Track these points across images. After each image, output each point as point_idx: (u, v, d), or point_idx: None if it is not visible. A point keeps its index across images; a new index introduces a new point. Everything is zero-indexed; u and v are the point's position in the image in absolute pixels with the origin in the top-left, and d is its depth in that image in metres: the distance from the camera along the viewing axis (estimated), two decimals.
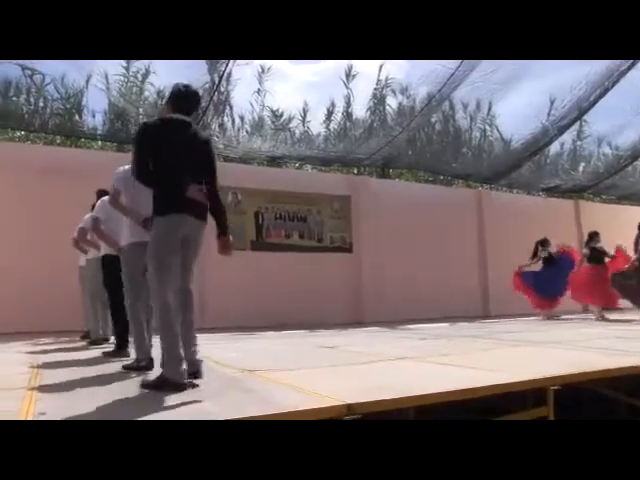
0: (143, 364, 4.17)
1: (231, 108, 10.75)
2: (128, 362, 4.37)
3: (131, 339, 4.56)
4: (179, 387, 3.21)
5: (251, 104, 10.78)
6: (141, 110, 9.92)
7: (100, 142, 11.27)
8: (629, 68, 10.73)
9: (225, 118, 10.82)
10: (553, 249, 11.09)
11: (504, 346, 5.79)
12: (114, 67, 9.36)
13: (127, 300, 4.40)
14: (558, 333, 7.35)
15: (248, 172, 11.31)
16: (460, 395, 3.04)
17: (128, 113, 10.05)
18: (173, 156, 3.41)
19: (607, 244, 10.57)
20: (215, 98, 9.98)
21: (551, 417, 3.29)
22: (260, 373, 3.90)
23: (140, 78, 9.75)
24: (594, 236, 10.61)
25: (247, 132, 11.10)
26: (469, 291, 12.97)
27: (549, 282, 10.79)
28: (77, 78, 9.56)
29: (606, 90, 11.28)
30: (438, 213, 12.78)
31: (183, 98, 3.59)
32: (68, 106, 9.86)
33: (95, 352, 5.63)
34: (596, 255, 10.42)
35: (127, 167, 4.03)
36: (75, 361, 4.96)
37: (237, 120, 10.93)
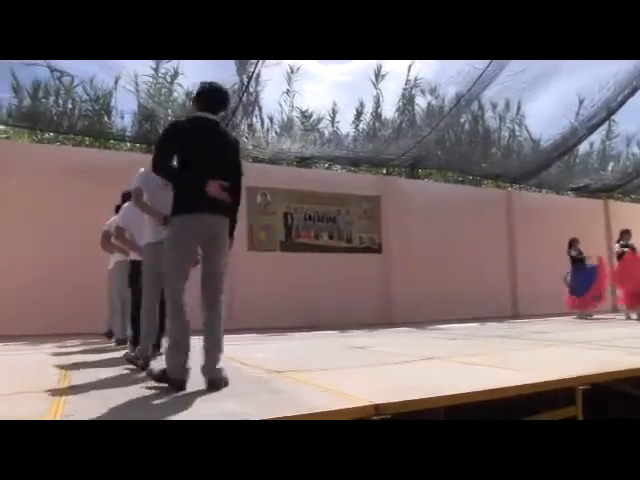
0: (140, 362, 4.22)
1: (260, 109, 10.81)
2: (131, 354, 4.44)
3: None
4: (177, 383, 3.25)
5: (280, 105, 10.83)
6: (170, 111, 10.02)
7: (129, 144, 11.39)
8: None
9: (254, 119, 10.87)
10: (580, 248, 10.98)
11: (533, 346, 5.76)
12: (143, 68, 9.43)
13: (145, 300, 4.43)
14: (588, 333, 7.28)
15: (277, 173, 11.39)
16: (489, 395, 3.05)
17: (157, 114, 10.12)
18: (196, 154, 3.43)
19: (637, 243, 10.44)
20: (244, 99, 10.05)
21: (580, 417, 3.28)
22: (288, 374, 3.90)
23: (169, 79, 9.83)
24: (625, 234, 10.50)
25: (276, 133, 11.16)
26: (499, 291, 12.89)
27: (577, 281, 10.72)
28: (106, 79, 9.61)
29: (634, 90, 11.20)
30: (467, 213, 12.72)
31: (208, 95, 3.59)
32: (97, 107, 9.93)
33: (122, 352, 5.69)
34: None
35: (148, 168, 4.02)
36: (102, 361, 5.05)
37: (266, 121, 10.98)
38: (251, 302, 9.98)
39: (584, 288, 10.67)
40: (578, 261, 10.84)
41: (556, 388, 3.34)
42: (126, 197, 6.38)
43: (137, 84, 9.65)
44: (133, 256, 5.31)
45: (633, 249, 10.31)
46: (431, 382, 3.35)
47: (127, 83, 9.59)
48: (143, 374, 3.88)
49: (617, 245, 10.60)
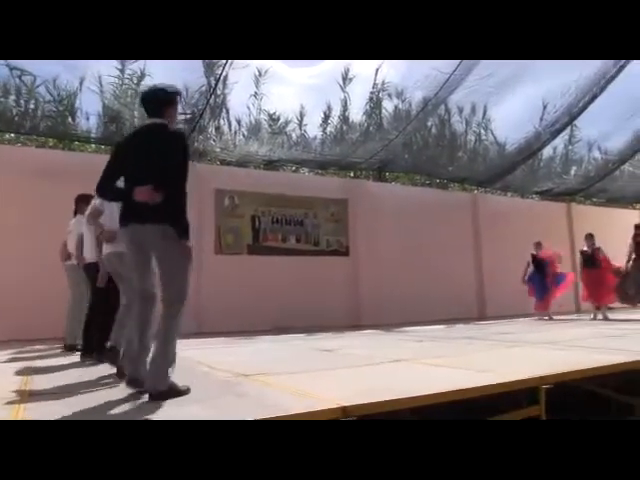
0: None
1: (227, 111, 10.74)
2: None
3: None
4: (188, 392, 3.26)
5: (248, 107, 10.78)
6: (136, 113, 9.90)
7: (94, 145, 11.20)
8: (615, 75, 11.03)
9: (222, 121, 10.81)
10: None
11: (498, 347, 5.85)
12: (108, 69, 9.25)
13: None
14: (552, 333, 7.42)
15: (245, 176, 11.35)
16: (455, 396, 3.09)
17: (123, 116, 9.97)
18: (125, 166, 3.44)
19: (598, 244, 10.71)
20: (212, 101, 9.99)
21: (543, 416, 3.34)
22: (256, 377, 3.89)
23: (135, 81, 9.68)
24: (589, 238, 10.82)
25: (244, 136, 11.11)
26: (465, 293, 13.04)
27: (537, 283, 10.96)
28: (70, 80, 9.36)
29: (594, 96, 11.56)
30: (434, 216, 12.85)
31: (141, 101, 3.64)
32: (61, 108, 9.68)
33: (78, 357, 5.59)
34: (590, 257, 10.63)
35: None
36: (64, 366, 4.99)
37: (234, 123, 10.91)
38: (219, 306, 9.93)
39: (545, 291, 10.92)
40: (534, 262, 11.07)
41: (520, 388, 3.40)
42: (79, 200, 6.34)
43: (102, 85, 9.49)
44: (89, 259, 5.35)
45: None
46: (398, 384, 3.38)
47: (92, 84, 9.42)
48: (107, 380, 3.86)
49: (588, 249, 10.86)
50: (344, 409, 2.68)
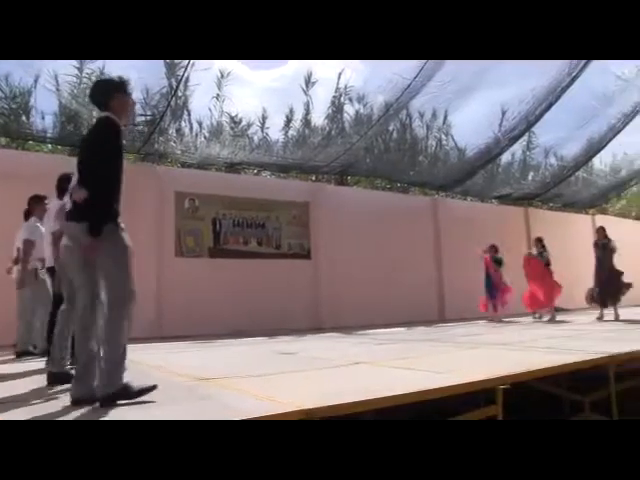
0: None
1: (189, 113, 10.67)
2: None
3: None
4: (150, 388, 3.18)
5: (210, 110, 10.74)
6: (95, 113, 9.70)
7: (50, 145, 10.95)
8: (569, 85, 11.40)
9: (183, 123, 10.72)
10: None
11: (458, 349, 5.93)
12: (65, 67, 9.02)
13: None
14: (509, 335, 7.56)
15: (206, 178, 11.29)
16: (415, 397, 3.13)
17: (81, 116, 9.78)
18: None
19: (554, 248, 10.95)
20: (173, 103, 9.90)
21: (500, 415, 3.41)
22: (217, 381, 3.86)
23: (94, 80, 9.50)
24: (538, 241, 11.11)
25: (205, 138, 11.03)
26: (426, 296, 13.21)
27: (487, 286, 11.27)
28: (24, 77, 9.09)
29: (550, 105, 11.91)
30: (395, 220, 13.00)
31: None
32: (14, 106, 9.40)
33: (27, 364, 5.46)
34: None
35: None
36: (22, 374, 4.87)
37: (195, 125, 10.84)
38: (179, 309, 9.84)
39: (489, 291, 11.22)
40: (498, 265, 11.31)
41: (478, 389, 3.47)
42: (33, 201, 6.23)
43: (58, 83, 9.26)
44: (49, 263, 5.22)
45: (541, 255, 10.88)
46: (359, 386, 3.41)
47: (47, 82, 9.19)
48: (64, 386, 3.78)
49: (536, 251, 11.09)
50: (307, 412, 2.68)
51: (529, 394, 4.09)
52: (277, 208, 11.82)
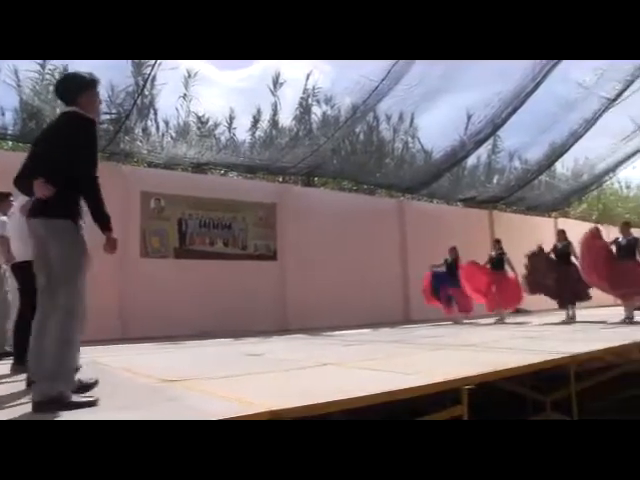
0: None
1: (155, 113, 10.56)
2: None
3: None
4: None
5: (176, 109, 10.65)
6: (58, 110, 9.52)
7: (11, 142, 10.70)
8: (533, 90, 11.68)
9: (149, 122, 10.61)
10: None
11: (424, 350, 6.00)
12: (27, 63, 8.81)
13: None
14: (474, 336, 7.68)
15: (172, 178, 11.19)
16: (381, 398, 3.15)
17: (44, 113, 9.58)
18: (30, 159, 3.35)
19: (517, 250, 11.12)
20: (139, 102, 9.80)
21: (465, 415, 3.46)
22: (182, 382, 3.82)
23: (57, 77, 9.31)
24: (497, 243, 11.35)
25: (172, 137, 10.94)
26: (392, 298, 13.33)
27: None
28: None
29: (515, 109, 12.15)
30: (361, 221, 13.07)
31: (54, 90, 3.49)
32: None
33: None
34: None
35: None
36: None
37: (162, 125, 10.73)
38: (144, 310, 9.74)
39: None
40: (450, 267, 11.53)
41: (444, 389, 3.51)
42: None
43: (19, 79, 9.06)
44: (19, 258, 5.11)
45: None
46: (326, 387, 3.42)
47: (7, 77, 8.97)
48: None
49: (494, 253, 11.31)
50: (273, 413, 2.69)
51: (493, 394, 4.16)
52: (244, 209, 11.78)
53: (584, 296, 10.13)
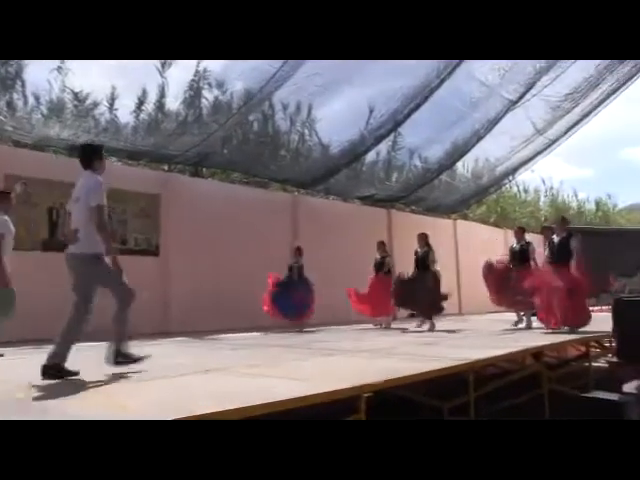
0: None
1: (23, 84, 9.95)
2: None
3: None
4: None
5: (49, 82, 10.07)
6: None
7: None
8: (437, 87, 12.13)
9: (15, 95, 9.99)
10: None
11: (317, 355, 6.08)
12: None
13: None
14: (368, 342, 7.87)
15: (42, 161, 10.68)
16: (273, 407, 3.14)
17: None
18: None
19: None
20: (2, 70, 9.21)
21: None
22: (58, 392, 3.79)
23: None
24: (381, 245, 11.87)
25: (43, 115, 10.38)
26: None
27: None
28: None
29: (418, 105, 12.54)
30: (253, 216, 13.06)
31: None
32: None
33: None
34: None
35: None
36: None
37: (31, 100, 10.14)
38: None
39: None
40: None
41: (341, 397, 3.58)
42: None
43: None
44: None
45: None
46: (209, 396, 3.38)
47: None
48: None
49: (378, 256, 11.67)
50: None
51: (391, 401, 4.29)
52: (124, 199, 11.40)
53: (440, 308, 10.38)
